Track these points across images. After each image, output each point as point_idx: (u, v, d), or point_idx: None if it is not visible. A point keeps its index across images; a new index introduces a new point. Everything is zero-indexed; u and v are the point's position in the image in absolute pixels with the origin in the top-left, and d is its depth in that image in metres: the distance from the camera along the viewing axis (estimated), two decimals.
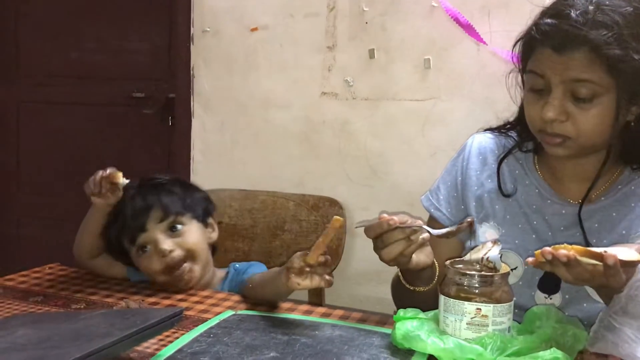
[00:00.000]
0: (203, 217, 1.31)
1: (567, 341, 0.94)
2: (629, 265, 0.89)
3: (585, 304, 1.09)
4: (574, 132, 1.02)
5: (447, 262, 0.99)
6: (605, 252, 0.87)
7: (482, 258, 1.00)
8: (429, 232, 1.01)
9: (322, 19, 1.91)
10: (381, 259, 1.01)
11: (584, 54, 0.97)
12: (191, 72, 2.11)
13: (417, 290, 1.09)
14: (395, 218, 0.97)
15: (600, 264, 0.87)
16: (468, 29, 1.69)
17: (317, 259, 1.03)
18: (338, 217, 1.02)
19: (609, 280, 0.88)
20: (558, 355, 0.86)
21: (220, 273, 1.34)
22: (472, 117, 1.75)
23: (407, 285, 1.10)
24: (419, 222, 1.01)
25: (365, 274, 1.93)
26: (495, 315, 0.93)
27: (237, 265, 1.35)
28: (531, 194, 1.15)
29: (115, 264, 1.30)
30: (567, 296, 1.11)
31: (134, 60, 2.43)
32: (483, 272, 0.96)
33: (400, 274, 1.11)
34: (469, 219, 1.04)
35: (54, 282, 1.27)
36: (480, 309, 0.94)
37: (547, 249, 0.89)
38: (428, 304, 1.09)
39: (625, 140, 1.07)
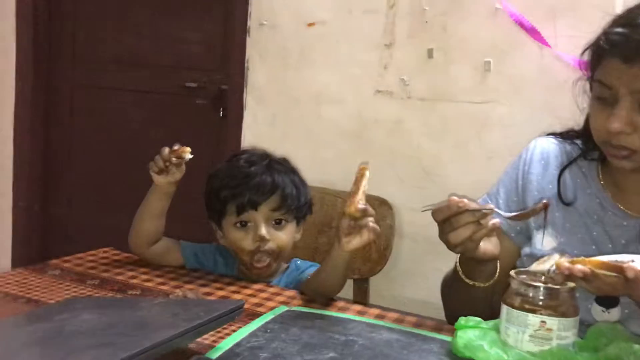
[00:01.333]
0: (301, 219, 1.31)
1: None
2: None
3: None
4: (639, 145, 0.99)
5: (512, 272, 0.97)
6: (625, 264, 0.84)
7: (549, 270, 0.97)
8: (500, 215, 0.98)
9: (381, 15, 1.89)
10: (448, 243, 0.98)
11: None
12: (245, 64, 2.12)
13: (477, 285, 1.06)
14: (466, 200, 0.95)
15: (621, 276, 0.84)
16: (532, 32, 1.65)
17: (356, 208, 1.00)
18: (364, 164, 1.02)
19: (632, 292, 0.86)
20: None
21: (283, 266, 1.34)
22: (531, 123, 1.71)
23: (466, 279, 1.07)
24: (490, 206, 0.98)
25: (411, 276, 1.91)
26: (560, 330, 0.91)
27: (299, 262, 1.35)
28: (592, 204, 1.12)
29: (172, 251, 1.30)
30: (626, 310, 1.07)
31: (188, 50, 2.45)
32: (550, 285, 0.93)
33: (459, 266, 1.08)
34: (544, 201, 1.01)
35: (109, 266, 1.28)
36: (544, 322, 0.91)
37: (565, 264, 0.88)
38: (483, 303, 1.08)
39: None
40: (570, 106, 1.63)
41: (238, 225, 1.24)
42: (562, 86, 1.70)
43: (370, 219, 1.03)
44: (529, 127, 1.69)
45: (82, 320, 0.84)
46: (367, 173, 1.06)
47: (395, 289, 1.93)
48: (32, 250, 2.70)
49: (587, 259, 0.88)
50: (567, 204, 1.13)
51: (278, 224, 1.24)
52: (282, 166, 1.29)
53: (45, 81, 2.70)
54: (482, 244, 0.99)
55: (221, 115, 2.33)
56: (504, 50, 1.75)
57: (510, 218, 1.02)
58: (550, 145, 1.20)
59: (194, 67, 2.42)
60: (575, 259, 0.89)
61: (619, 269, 0.85)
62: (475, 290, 1.07)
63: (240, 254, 1.25)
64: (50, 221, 2.77)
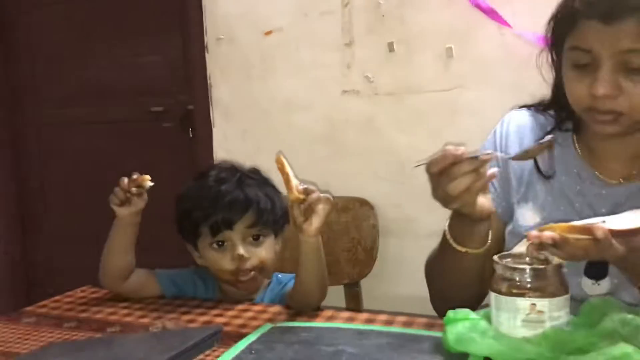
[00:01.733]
0: (278, 231, 1.26)
1: (631, 333, 0.88)
2: (629, 234, 0.83)
3: (635, 288, 1.01)
4: (627, 107, 0.95)
5: (495, 257, 0.94)
6: (593, 225, 0.82)
7: None
8: (502, 157, 0.94)
9: (337, 15, 1.87)
10: (445, 197, 0.92)
11: (635, 22, 0.91)
12: (208, 81, 2.08)
13: (469, 252, 1.02)
14: (462, 148, 0.89)
15: (591, 238, 0.82)
16: (490, 13, 1.63)
17: (298, 191, 1.00)
18: (277, 154, 1.02)
19: (603, 254, 0.83)
20: (628, 351, 0.80)
21: (264, 282, 1.30)
22: (501, 104, 1.66)
23: (458, 247, 1.02)
24: (489, 151, 0.94)
25: (401, 273, 1.88)
26: (551, 310, 0.87)
27: (280, 276, 1.31)
28: (571, 176, 1.10)
29: (148, 282, 1.25)
30: (615, 280, 1.05)
31: (149, 75, 2.42)
32: (535, 265, 0.91)
33: (448, 233, 1.03)
34: (549, 137, 0.96)
35: (87, 305, 1.23)
36: (535, 305, 0.88)
37: (533, 232, 0.85)
38: (475, 275, 1.04)
39: None
40: (538, 82, 1.62)
41: (215, 245, 1.20)
42: (526, 63, 1.66)
43: (315, 193, 1.01)
44: (499, 109, 1.64)
45: None
46: (284, 160, 1.04)
47: (387, 288, 1.89)
48: (16, 297, 2.64)
49: (555, 225, 0.85)
50: (548, 178, 1.10)
51: (256, 239, 1.20)
52: (253, 180, 1.25)
53: (9, 124, 2.65)
54: (479, 198, 0.95)
55: (191, 135, 2.29)
56: (465, 35, 1.74)
57: (513, 158, 0.98)
58: (525, 118, 1.17)
59: (157, 91, 2.39)
60: (543, 226, 0.86)
61: (587, 230, 0.82)
62: (467, 259, 1.02)
63: (221, 274, 1.22)
64: (31, 263, 2.71)
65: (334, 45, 1.88)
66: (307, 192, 1.01)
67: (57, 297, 1.29)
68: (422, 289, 1.84)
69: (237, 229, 1.18)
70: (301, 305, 1.12)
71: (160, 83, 2.40)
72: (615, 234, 0.82)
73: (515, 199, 1.13)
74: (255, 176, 1.26)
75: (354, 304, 1.77)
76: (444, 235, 1.05)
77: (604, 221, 0.84)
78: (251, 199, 1.19)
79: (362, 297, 1.81)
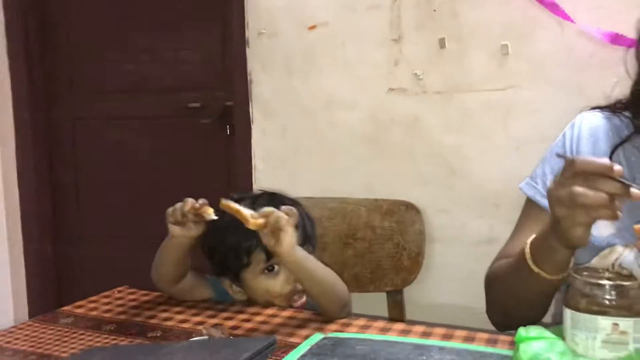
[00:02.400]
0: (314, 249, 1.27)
1: None
2: None
3: None
4: None
5: (572, 271, 0.86)
6: None
7: (614, 264, 0.86)
8: None
9: (385, 10, 1.79)
10: (562, 199, 0.81)
11: None
12: (248, 77, 2.03)
13: (550, 278, 0.91)
14: (620, 167, 0.79)
15: None
16: (552, 7, 1.54)
17: (255, 223, 0.99)
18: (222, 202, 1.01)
19: None
20: None
21: None
22: (559, 105, 1.60)
23: (536, 269, 0.91)
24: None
25: (446, 282, 1.80)
26: (636, 332, 0.80)
27: None
28: None
29: (199, 286, 1.22)
30: None
31: (187, 70, 2.37)
32: (618, 282, 0.82)
33: (529, 252, 0.93)
34: None
35: (125, 307, 1.18)
36: (617, 325, 0.80)
37: None
38: (549, 295, 0.97)
39: None
40: (599, 82, 1.54)
41: (266, 271, 1.19)
42: (587, 63, 1.59)
43: (274, 214, 1.00)
44: (557, 110, 1.58)
45: None
46: (228, 203, 1.02)
47: (431, 297, 1.81)
48: (48, 295, 2.62)
49: None
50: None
51: None
52: (290, 200, 1.24)
53: (45, 117, 2.64)
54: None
55: (228, 132, 2.24)
56: (521, 31, 1.65)
57: None
58: (598, 120, 1.08)
59: (195, 87, 2.34)
60: None
61: None
62: (543, 282, 0.92)
63: (273, 300, 1.19)
64: (63, 261, 2.69)
65: (381, 41, 1.81)
66: (264, 215, 1.00)
67: (93, 298, 1.24)
68: (467, 299, 1.77)
69: None
70: (326, 316, 1.08)
71: (198, 79, 2.35)
72: None
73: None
74: (290, 198, 1.26)
75: (397, 312, 1.70)
76: (522, 252, 0.94)
77: None
78: (300, 219, 1.17)
79: (405, 305, 1.73)
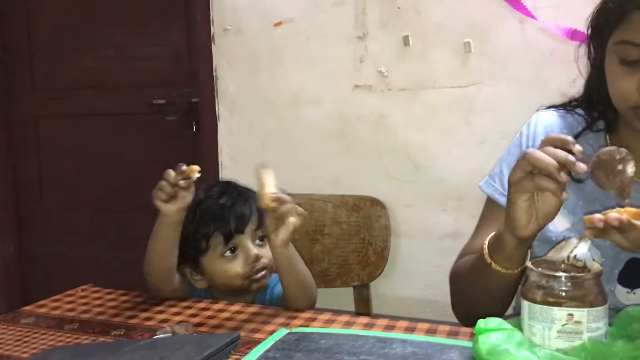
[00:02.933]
0: None
1: None
2: None
3: None
4: None
5: (529, 263, 0.88)
6: None
7: (569, 256, 0.89)
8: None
9: (350, 7, 1.80)
10: (527, 159, 0.84)
11: None
12: (214, 73, 2.01)
13: (506, 272, 0.95)
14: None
15: None
16: (514, 3, 1.56)
17: (269, 198, 1.00)
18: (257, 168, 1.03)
19: None
20: None
21: None
22: (520, 101, 1.63)
23: (495, 265, 0.95)
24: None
25: (412, 276, 1.82)
26: (590, 321, 0.82)
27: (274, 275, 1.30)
28: None
29: (180, 280, 1.23)
30: None
31: (152, 66, 2.35)
32: (573, 273, 0.85)
33: (486, 250, 0.96)
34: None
35: (89, 306, 1.17)
36: (572, 315, 0.82)
37: (597, 215, 0.79)
38: (510, 289, 1.00)
39: None
40: (559, 79, 1.57)
41: (227, 254, 1.23)
42: (548, 59, 1.63)
43: (288, 205, 1.01)
44: (519, 106, 1.62)
45: None
46: (265, 171, 1.04)
47: (398, 291, 1.83)
48: (12, 296, 2.57)
49: (621, 209, 0.79)
50: (579, 181, 1.04)
51: (261, 240, 1.26)
52: (239, 188, 1.31)
53: (5, 115, 2.58)
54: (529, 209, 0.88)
55: (195, 129, 2.23)
56: (484, 29, 1.67)
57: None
58: (553, 118, 1.11)
59: (160, 83, 2.32)
60: (606, 211, 0.80)
61: None
62: (502, 277, 0.96)
63: (233, 282, 1.23)
64: (27, 261, 2.64)
65: (346, 38, 1.82)
66: (279, 200, 1.00)
67: (57, 297, 1.23)
68: (432, 292, 1.79)
69: (247, 232, 1.24)
70: (291, 308, 1.11)
71: (163, 75, 2.33)
72: None
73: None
74: (244, 188, 1.31)
75: (363, 306, 1.71)
76: (482, 251, 0.98)
77: None
78: (252, 206, 1.25)
79: (371, 299, 1.75)
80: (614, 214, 0.78)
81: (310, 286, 1.15)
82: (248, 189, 1.29)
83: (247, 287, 1.24)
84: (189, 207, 1.16)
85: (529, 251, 0.97)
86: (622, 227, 0.79)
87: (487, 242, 0.98)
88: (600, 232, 0.81)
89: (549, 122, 1.11)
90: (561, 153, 0.83)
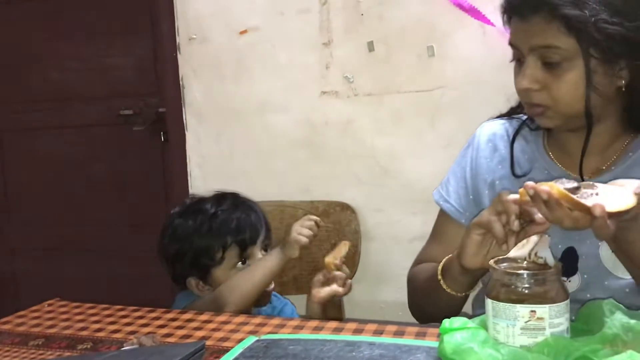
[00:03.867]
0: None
1: (635, 339, 0.85)
2: (619, 216, 0.82)
3: (606, 282, 1.04)
4: (550, 101, 0.99)
5: (492, 262, 0.90)
6: (592, 203, 0.80)
7: (530, 254, 0.91)
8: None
9: (314, 14, 1.81)
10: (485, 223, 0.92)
11: (543, 18, 0.95)
12: (180, 82, 2.01)
13: (455, 294, 1.04)
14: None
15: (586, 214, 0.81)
16: (472, 12, 1.60)
17: (335, 262, 1.18)
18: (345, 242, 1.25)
19: (596, 231, 0.83)
20: (636, 358, 0.76)
21: None
22: (484, 104, 1.64)
23: (446, 288, 1.04)
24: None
25: (384, 279, 1.83)
26: (552, 317, 0.84)
27: (274, 299, 1.38)
28: (542, 175, 1.10)
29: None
30: (585, 276, 1.05)
31: (118, 77, 2.33)
32: (535, 271, 0.86)
33: (440, 275, 1.04)
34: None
35: (56, 320, 1.15)
36: (534, 312, 0.84)
37: (530, 183, 0.84)
38: (460, 303, 1.07)
39: (625, 107, 1.03)
40: None
41: (239, 265, 1.28)
42: (509, 63, 1.65)
43: (342, 274, 1.18)
44: (482, 109, 1.62)
45: None
46: (347, 247, 1.27)
47: (370, 294, 1.84)
48: None
49: (555, 186, 0.83)
50: (521, 176, 1.11)
51: (266, 251, 1.32)
52: (248, 200, 1.39)
53: None
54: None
55: (163, 139, 2.21)
56: (446, 33, 1.70)
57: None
58: (497, 127, 1.19)
59: (127, 94, 2.30)
60: (543, 183, 0.85)
61: (585, 209, 0.81)
62: (451, 295, 1.04)
63: None
64: None
65: (311, 45, 1.83)
66: (337, 267, 1.18)
67: (21, 312, 1.20)
68: (404, 294, 1.79)
69: (258, 243, 1.31)
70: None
71: (130, 85, 2.31)
72: (610, 215, 0.81)
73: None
74: (246, 198, 1.39)
75: (336, 311, 1.71)
76: (436, 268, 1.06)
77: (597, 193, 0.82)
78: (260, 217, 1.33)
79: (343, 303, 1.75)
80: (544, 187, 0.82)
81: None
82: (252, 201, 1.38)
83: (260, 300, 1.29)
84: (200, 218, 1.27)
85: (479, 282, 1.04)
86: (549, 203, 0.82)
87: (443, 261, 1.05)
88: (531, 200, 0.85)
89: (492, 130, 1.19)
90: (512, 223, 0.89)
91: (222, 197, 1.34)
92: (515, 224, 0.89)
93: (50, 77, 2.42)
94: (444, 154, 1.71)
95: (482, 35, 1.66)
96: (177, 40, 1.99)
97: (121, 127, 2.30)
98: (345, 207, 1.73)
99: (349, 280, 1.18)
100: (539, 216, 0.88)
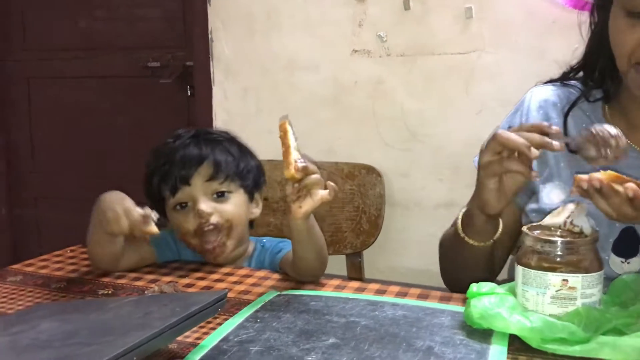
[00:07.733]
0: (251, 189, 1.19)
1: None
2: None
3: None
4: None
5: (525, 228, 0.87)
6: None
7: (565, 222, 0.87)
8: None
9: None
10: (497, 139, 0.89)
11: None
12: (209, 36, 1.97)
13: (477, 245, 1.01)
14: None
15: None
16: None
17: (296, 168, 0.89)
18: (282, 119, 0.92)
19: None
20: None
21: (248, 249, 1.22)
22: (520, 70, 1.60)
23: (466, 238, 1.01)
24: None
25: (406, 245, 1.81)
26: (584, 287, 0.81)
27: (265, 241, 1.24)
28: None
29: (144, 252, 1.14)
30: None
31: (146, 28, 2.30)
32: (569, 239, 0.83)
33: (459, 225, 1.01)
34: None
35: (77, 266, 1.16)
36: (567, 281, 0.81)
37: (583, 176, 0.81)
38: (484, 263, 1.04)
39: None
40: (561, 48, 1.54)
41: (178, 207, 1.14)
42: (550, 28, 1.59)
43: (315, 175, 0.91)
44: (519, 75, 1.59)
45: (39, 331, 0.72)
46: (289, 127, 0.93)
47: (391, 260, 1.82)
48: (2, 258, 2.56)
49: (605, 172, 0.80)
50: (574, 152, 1.03)
51: (220, 196, 1.13)
52: (213, 135, 1.19)
53: None
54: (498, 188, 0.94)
55: (189, 94, 2.19)
56: None
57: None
58: (549, 93, 1.10)
59: (154, 46, 2.27)
60: (593, 173, 0.82)
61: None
62: (475, 249, 1.01)
63: (186, 239, 1.13)
64: (18, 223, 2.62)
65: (345, 1, 1.77)
66: (306, 171, 0.90)
67: (45, 256, 1.21)
68: (425, 261, 1.78)
69: (195, 184, 1.12)
70: (302, 278, 1.05)
71: (158, 37, 2.28)
72: None
73: (541, 178, 1.06)
74: (217, 134, 1.20)
75: (356, 274, 1.70)
76: (456, 223, 1.03)
77: None
78: (204, 152, 1.13)
79: (365, 268, 1.74)
80: (596, 175, 0.80)
81: (325, 255, 1.04)
82: (220, 136, 1.19)
83: (202, 251, 1.13)
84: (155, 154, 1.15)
85: (500, 223, 1.00)
86: (604, 191, 0.79)
87: (460, 215, 1.02)
88: (585, 193, 0.83)
89: (543, 97, 1.10)
90: (535, 136, 0.86)
91: (190, 130, 1.18)
92: (534, 151, 0.86)
93: (78, 26, 2.40)
94: (476, 120, 1.67)
95: None
96: None
97: (148, 80, 2.28)
98: (370, 170, 1.70)
99: (330, 182, 0.92)
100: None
